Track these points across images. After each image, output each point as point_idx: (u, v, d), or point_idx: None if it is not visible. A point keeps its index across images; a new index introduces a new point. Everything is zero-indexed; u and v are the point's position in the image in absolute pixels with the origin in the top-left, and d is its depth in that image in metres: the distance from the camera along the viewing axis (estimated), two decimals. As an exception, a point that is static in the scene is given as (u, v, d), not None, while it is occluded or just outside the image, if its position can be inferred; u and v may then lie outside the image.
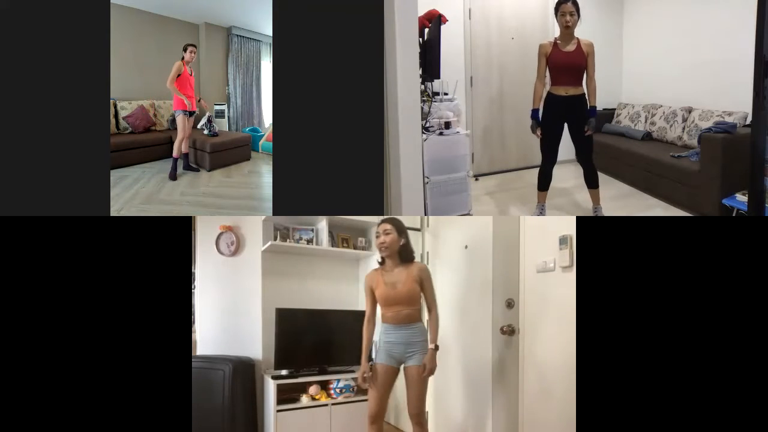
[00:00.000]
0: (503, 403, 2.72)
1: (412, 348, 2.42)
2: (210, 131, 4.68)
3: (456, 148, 3.63)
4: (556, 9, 3.39)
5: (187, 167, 4.02)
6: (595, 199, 3.65)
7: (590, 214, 3.75)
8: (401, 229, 2.47)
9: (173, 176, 3.84)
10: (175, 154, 3.92)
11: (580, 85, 3.45)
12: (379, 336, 2.49)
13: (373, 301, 2.48)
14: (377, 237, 2.48)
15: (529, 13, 5.27)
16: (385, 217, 2.52)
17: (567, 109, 3.47)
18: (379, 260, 2.52)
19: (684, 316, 1.95)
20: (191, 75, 3.99)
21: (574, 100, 3.44)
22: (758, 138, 2.56)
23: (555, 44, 3.42)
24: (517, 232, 2.75)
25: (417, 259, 3.41)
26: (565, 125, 3.56)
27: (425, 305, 2.53)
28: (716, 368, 1.92)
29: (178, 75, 3.87)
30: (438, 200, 3.50)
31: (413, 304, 2.44)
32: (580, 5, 3.35)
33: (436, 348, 2.44)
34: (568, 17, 3.32)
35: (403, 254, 2.47)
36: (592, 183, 3.62)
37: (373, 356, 2.54)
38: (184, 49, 3.94)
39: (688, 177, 3.76)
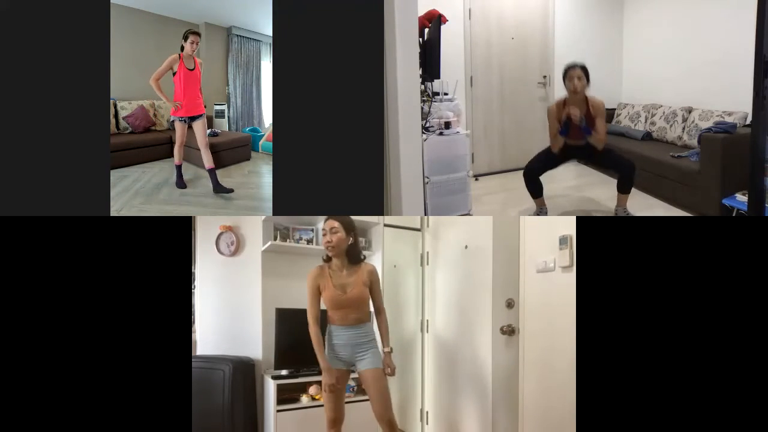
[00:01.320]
0: (503, 403, 2.72)
1: (361, 348, 2.36)
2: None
3: (456, 148, 3.64)
4: (564, 74, 3.43)
5: (217, 187, 3.36)
6: (621, 200, 3.66)
7: (591, 213, 3.75)
8: (349, 228, 2.36)
9: (180, 184, 3.43)
10: (176, 161, 3.50)
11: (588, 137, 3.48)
12: (326, 337, 2.40)
13: (318, 302, 2.36)
14: (324, 235, 2.36)
15: (529, 13, 5.27)
16: (335, 216, 2.40)
17: (573, 155, 3.64)
18: (325, 257, 2.41)
19: (684, 316, 1.95)
20: (193, 70, 3.39)
21: (582, 147, 3.50)
22: (758, 138, 2.55)
23: (564, 106, 3.43)
24: (517, 232, 2.75)
25: (417, 260, 3.45)
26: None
27: (373, 307, 2.45)
28: (716, 368, 1.92)
29: (174, 73, 3.34)
30: (438, 200, 3.50)
31: (363, 307, 2.38)
32: (588, 71, 3.40)
33: (391, 351, 2.40)
34: (576, 81, 3.34)
35: (351, 254, 2.38)
36: (623, 188, 3.62)
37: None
38: (185, 38, 3.34)
39: (688, 177, 3.76)
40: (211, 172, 3.36)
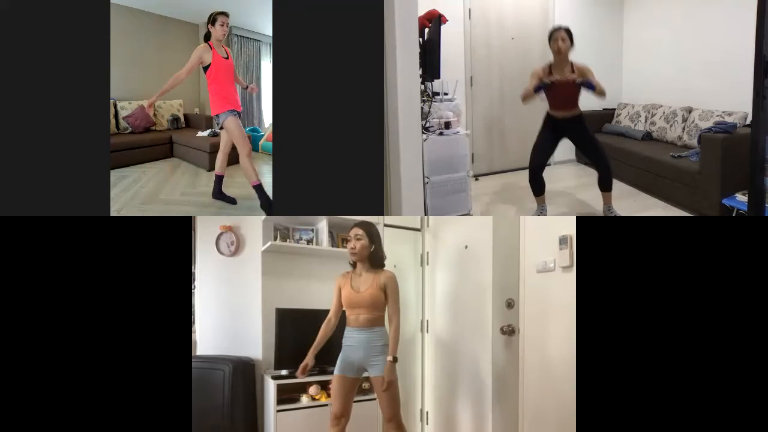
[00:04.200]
0: (503, 403, 2.72)
1: (374, 353, 2.41)
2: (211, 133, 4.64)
3: (456, 148, 3.64)
4: (550, 36, 3.49)
5: (219, 194, 3.25)
6: (606, 200, 3.72)
7: (591, 213, 3.75)
8: (372, 236, 2.48)
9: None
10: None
11: (576, 107, 3.55)
12: (343, 339, 2.50)
13: (339, 302, 2.51)
14: (348, 241, 2.49)
15: (529, 13, 5.27)
16: (360, 220, 2.52)
17: (564, 130, 3.60)
18: (351, 262, 2.54)
19: (684, 316, 1.95)
20: (228, 59, 2.94)
21: (572, 121, 3.55)
22: (758, 138, 2.55)
23: (549, 69, 3.49)
24: (517, 232, 2.75)
25: (417, 260, 3.45)
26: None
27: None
28: (717, 368, 1.92)
29: (206, 66, 2.90)
30: (438, 200, 3.50)
31: (376, 309, 2.44)
32: (572, 33, 3.46)
33: (395, 360, 2.39)
34: (560, 43, 3.42)
35: (373, 260, 2.49)
36: (605, 186, 3.69)
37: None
38: (212, 22, 2.88)
39: (688, 177, 3.76)
40: (219, 179, 3.32)
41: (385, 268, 2.53)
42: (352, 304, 2.44)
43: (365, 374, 2.49)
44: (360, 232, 2.46)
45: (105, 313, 2.00)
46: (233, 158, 4.50)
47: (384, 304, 2.46)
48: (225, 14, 2.91)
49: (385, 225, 3.26)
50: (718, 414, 1.90)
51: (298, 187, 2.47)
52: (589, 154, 3.76)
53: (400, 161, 2.52)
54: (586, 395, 1.96)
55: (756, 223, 2.02)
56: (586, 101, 5.54)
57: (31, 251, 2.02)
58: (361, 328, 2.42)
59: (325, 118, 2.44)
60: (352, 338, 2.44)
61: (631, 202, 4.14)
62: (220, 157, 3.24)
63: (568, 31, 3.45)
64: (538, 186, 3.68)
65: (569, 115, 3.53)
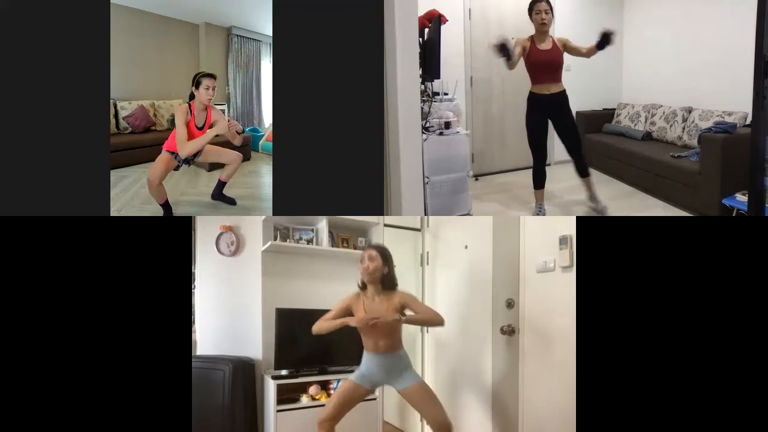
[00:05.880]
0: (503, 403, 2.72)
1: (397, 373, 2.39)
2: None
3: (456, 148, 3.64)
4: (531, 8, 3.49)
5: (219, 196, 3.26)
6: (588, 186, 3.75)
7: (591, 213, 3.75)
8: (387, 257, 2.41)
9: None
10: (158, 199, 2.90)
11: (560, 81, 3.54)
12: (362, 361, 2.45)
13: (338, 316, 2.38)
14: (361, 262, 2.40)
15: (529, 13, 5.26)
16: (374, 243, 2.48)
17: (551, 108, 3.57)
18: (360, 284, 2.44)
19: (684, 316, 1.95)
20: (202, 129, 2.91)
21: (557, 97, 3.53)
22: (758, 138, 2.55)
23: (532, 41, 3.50)
24: (517, 232, 2.75)
25: (416, 259, 3.45)
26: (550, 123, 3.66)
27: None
28: (717, 368, 1.92)
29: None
30: (438, 200, 3.50)
31: (393, 333, 2.39)
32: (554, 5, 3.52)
33: (403, 317, 2.34)
34: (543, 15, 3.42)
35: (386, 282, 2.41)
36: (583, 172, 3.71)
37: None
38: (196, 84, 2.80)
39: (688, 177, 3.76)
40: (221, 183, 3.29)
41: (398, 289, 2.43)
42: (370, 331, 2.36)
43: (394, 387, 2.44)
44: (374, 253, 2.39)
45: (105, 314, 2.00)
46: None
47: (400, 326, 2.41)
48: (212, 76, 2.78)
49: (385, 225, 3.27)
50: (718, 414, 1.90)
51: (298, 187, 2.47)
52: (568, 135, 3.68)
53: (400, 161, 2.52)
54: (587, 395, 1.97)
55: (756, 223, 2.02)
56: (586, 101, 5.56)
57: (31, 251, 2.02)
58: (382, 354, 2.38)
59: (325, 118, 2.44)
60: (371, 361, 2.40)
61: (632, 202, 4.14)
62: (229, 169, 3.23)
63: (548, 2, 3.44)
64: (539, 179, 3.70)
65: (555, 90, 3.51)
